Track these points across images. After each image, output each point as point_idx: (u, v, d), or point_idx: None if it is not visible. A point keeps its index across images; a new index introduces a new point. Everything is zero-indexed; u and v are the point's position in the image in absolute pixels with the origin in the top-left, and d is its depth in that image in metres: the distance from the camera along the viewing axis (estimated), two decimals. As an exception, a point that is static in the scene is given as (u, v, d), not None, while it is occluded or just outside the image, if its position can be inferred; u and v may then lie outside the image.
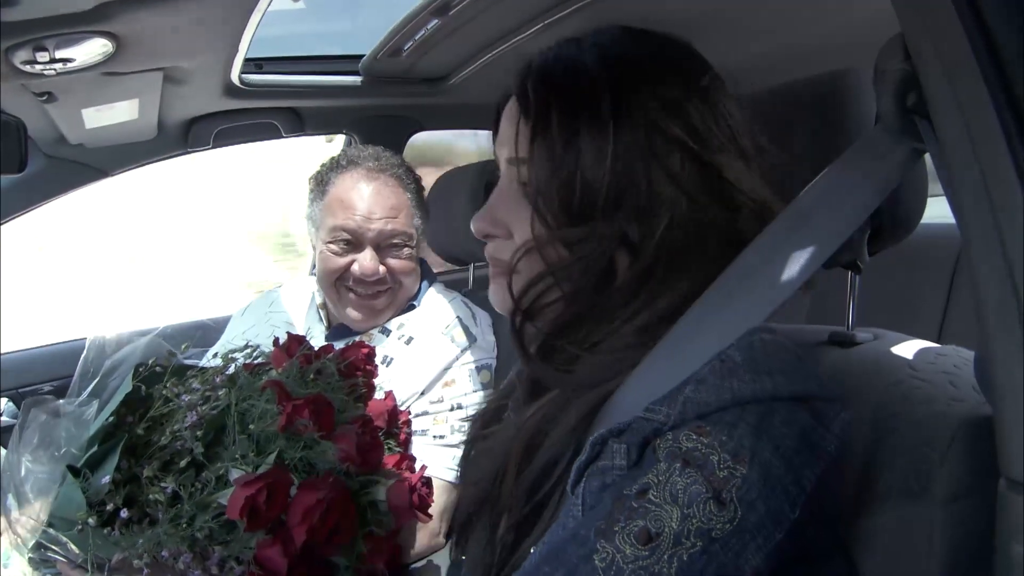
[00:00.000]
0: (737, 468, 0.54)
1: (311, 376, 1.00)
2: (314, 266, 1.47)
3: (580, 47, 0.69)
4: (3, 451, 1.18)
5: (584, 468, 0.61)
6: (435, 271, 1.53)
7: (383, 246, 1.36)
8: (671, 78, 0.67)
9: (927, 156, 0.66)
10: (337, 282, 1.36)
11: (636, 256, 0.65)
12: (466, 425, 0.98)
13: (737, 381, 0.58)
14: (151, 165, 1.80)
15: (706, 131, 0.65)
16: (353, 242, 1.35)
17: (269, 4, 1.10)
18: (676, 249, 0.64)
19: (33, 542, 0.92)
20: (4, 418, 1.76)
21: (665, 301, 0.65)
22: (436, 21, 1.35)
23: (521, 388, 0.75)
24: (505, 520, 0.68)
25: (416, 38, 1.46)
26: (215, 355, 1.01)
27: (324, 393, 0.95)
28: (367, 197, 1.35)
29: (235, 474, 0.86)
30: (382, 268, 1.35)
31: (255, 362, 1.02)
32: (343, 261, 1.35)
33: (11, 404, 1.79)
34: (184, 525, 0.84)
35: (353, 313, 1.37)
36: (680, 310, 0.64)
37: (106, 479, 0.86)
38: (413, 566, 1.17)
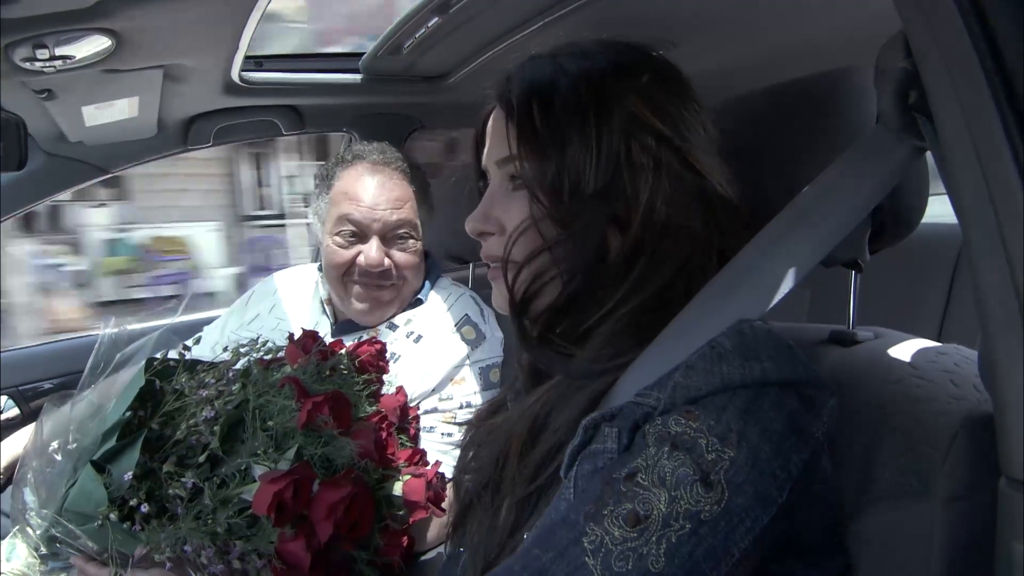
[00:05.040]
0: (725, 451, 0.55)
1: (327, 372, 1.00)
2: (318, 256, 1.47)
3: (554, 54, 0.73)
4: (2, 447, 1.18)
5: (577, 452, 0.62)
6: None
7: (388, 237, 1.36)
8: (645, 73, 0.70)
9: (929, 154, 0.66)
10: (344, 276, 1.36)
11: (625, 232, 0.67)
12: None
13: (727, 366, 0.59)
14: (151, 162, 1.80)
15: (679, 121, 0.69)
16: (358, 233, 1.35)
17: (269, 2, 1.10)
18: (661, 223, 0.67)
19: (47, 536, 0.93)
20: (3, 416, 1.76)
21: (656, 281, 0.67)
22: (436, 19, 1.35)
23: (523, 375, 0.76)
24: (507, 503, 0.68)
25: (416, 36, 1.46)
26: (225, 348, 1.02)
27: (340, 390, 0.96)
28: (372, 188, 1.36)
29: (259, 470, 0.86)
30: (387, 260, 1.35)
31: (267, 357, 1.03)
32: (349, 253, 1.35)
33: (11, 402, 1.79)
34: (209, 520, 0.84)
35: (359, 306, 1.37)
36: (670, 294, 0.66)
37: (128, 476, 0.86)
38: (423, 557, 1.17)
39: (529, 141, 0.69)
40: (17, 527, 0.99)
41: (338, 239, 1.35)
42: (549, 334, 0.69)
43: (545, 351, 0.69)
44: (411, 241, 1.38)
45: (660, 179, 0.67)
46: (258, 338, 1.04)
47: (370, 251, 1.34)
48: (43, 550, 0.96)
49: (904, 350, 0.72)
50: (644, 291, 0.67)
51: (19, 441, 1.34)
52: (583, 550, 0.55)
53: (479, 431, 0.81)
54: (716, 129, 0.72)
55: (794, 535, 0.59)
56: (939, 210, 0.73)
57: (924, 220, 0.76)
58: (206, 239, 8.20)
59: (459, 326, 1.37)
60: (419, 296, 1.43)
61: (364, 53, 1.67)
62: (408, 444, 1.12)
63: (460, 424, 1.28)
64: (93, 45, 1.08)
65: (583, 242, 0.67)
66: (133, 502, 0.86)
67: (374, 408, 1.05)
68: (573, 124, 0.67)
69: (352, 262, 1.35)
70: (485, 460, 0.74)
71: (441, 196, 1.48)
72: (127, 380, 0.97)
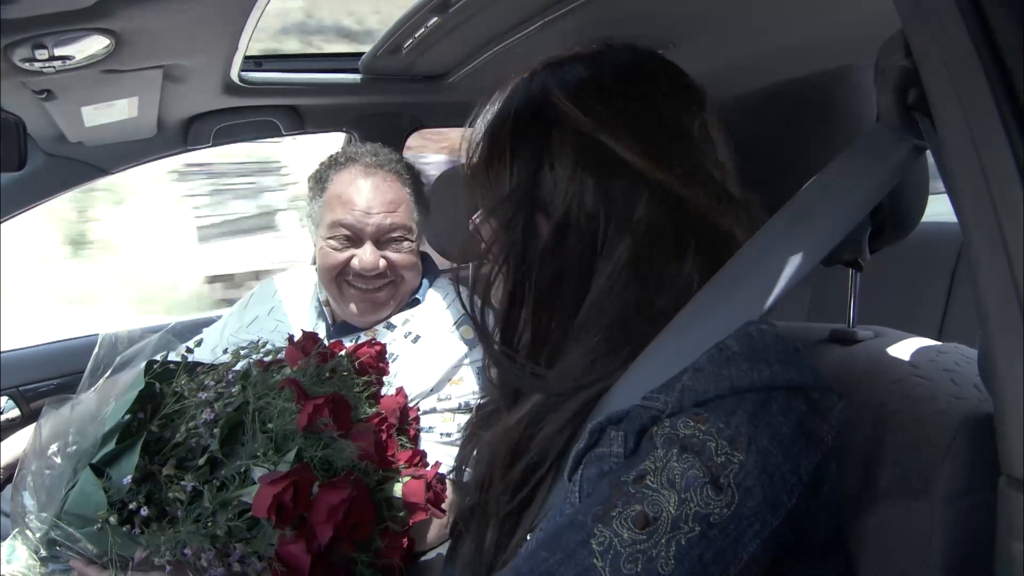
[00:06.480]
0: (735, 455, 0.55)
1: (326, 374, 1.00)
2: (315, 259, 1.47)
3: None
4: (2, 447, 1.19)
5: (582, 455, 0.62)
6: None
7: (383, 240, 1.36)
8: (575, 69, 0.71)
9: (928, 153, 0.66)
10: (338, 277, 1.36)
11: (549, 215, 0.68)
12: None
13: (735, 370, 0.58)
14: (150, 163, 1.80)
15: (613, 112, 0.68)
16: (352, 237, 1.35)
17: (268, 2, 1.10)
18: (589, 212, 0.66)
19: (46, 539, 0.93)
20: (4, 417, 1.76)
21: (600, 278, 0.66)
22: (436, 19, 1.34)
23: (498, 393, 0.76)
24: (492, 523, 0.69)
25: (416, 36, 1.46)
26: (224, 351, 1.01)
27: (340, 392, 0.96)
28: (365, 192, 1.35)
29: (258, 472, 0.86)
30: (382, 262, 1.35)
31: (267, 359, 1.02)
32: (343, 256, 1.35)
33: (11, 402, 1.79)
34: (208, 523, 0.84)
35: (355, 308, 1.37)
36: (628, 299, 0.66)
37: (127, 479, 0.86)
38: (423, 559, 1.17)
39: (470, 158, 0.74)
40: (17, 529, 0.99)
41: (332, 243, 1.35)
42: (511, 343, 0.71)
43: (512, 365, 0.70)
44: (406, 243, 1.38)
45: (582, 169, 0.66)
46: (258, 340, 1.04)
47: (364, 255, 1.34)
48: (43, 552, 0.96)
49: (904, 349, 0.72)
50: (594, 290, 0.67)
51: (19, 441, 1.34)
52: (591, 552, 0.54)
53: (470, 443, 0.81)
54: (710, 130, 0.70)
55: (801, 538, 0.59)
56: (939, 209, 0.73)
57: (924, 219, 0.76)
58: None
59: (457, 325, 1.36)
60: (416, 296, 1.42)
61: (363, 53, 1.67)
62: (408, 445, 1.12)
63: (459, 423, 1.28)
64: (92, 45, 1.08)
65: (510, 228, 0.69)
66: (132, 505, 0.86)
67: (374, 410, 1.05)
68: (497, 132, 0.71)
69: (346, 264, 1.35)
70: (470, 485, 0.75)
71: (440, 197, 1.48)
72: (127, 383, 0.97)
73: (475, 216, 0.75)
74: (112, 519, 0.86)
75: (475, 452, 0.78)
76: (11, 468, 1.25)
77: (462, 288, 0.77)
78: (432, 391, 1.30)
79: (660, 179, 0.65)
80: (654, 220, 0.65)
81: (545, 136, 0.68)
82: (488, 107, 0.74)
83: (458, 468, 0.82)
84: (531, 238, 0.68)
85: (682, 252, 0.66)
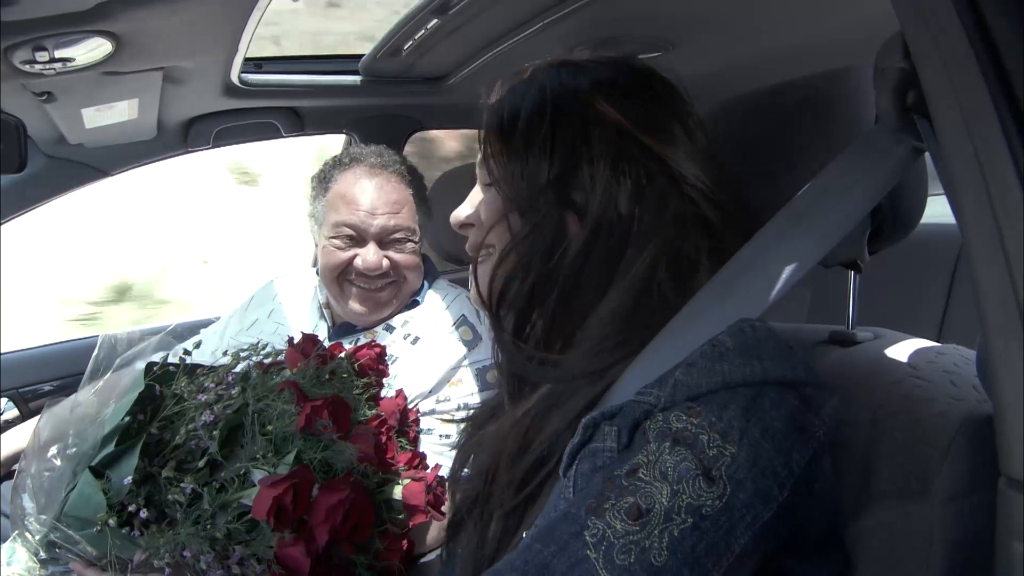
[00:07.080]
0: (727, 447, 0.55)
1: (326, 376, 1.00)
2: (316, 261, 1.47)
3: (534, 68, 0.76)
4: (2, 441, 1.19)
5: (576, 451, 0.62)
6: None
7: (386, 241, 1.36)
8: (610, 76, 0.73)
9: (927, 155, 0.66)
10: (340, 276, 1.36)
11: (584, 217, 0.69)
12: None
13: (728, 365, 0.59)
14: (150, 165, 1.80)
15: (647, 118, 0.70)
16: (356, 237, 1.35)
17: (268, 3, 1.10)
18: (624, 215, 0.68)
19: (46, 541, 0.93)
20: (3, 418, 1.76)
21: (626, 278, 0.67)
22: (435, 20, 1.35)
23: (505, 382, 0.77)
24: (496, 516, 0.69)
25: (416, 37, 1.46)
26: (224, 353, 1.01)
27: (339, 394, 0.96)
28: (370, 192, 1.36)
29: (258, 474, 0.86)
30: (385, 262, 1.35)
31: (267, 361, 1.02)
32: (346, 255, 1.35)
33: (11, 403, 1.79)
34: (207, 526, 0.84)
35: (357, 306, 1.37)
36: (654, 295, 0.67)
37: (127, 481, 0.86)
38: (423, 560, 1.17)
39: (496, 141, 0.73)
40: (17, 531, 0.99)
41: (336, 242, 1.35)
42: (522, 335, 0.72)
43: (522, 355, 0.71)
44: (409, 244, 1.38)
45: (620, 170, 0.68)
46: (258, 342, 1.04)
47: (368, 255, 1.34)
48: (43, 554, 0.96)
49: (903, 350, 0.72)
50: (617, 286, 0.68)
51: (19, 435, 1.33)
52: (585, 543, 0.55)
53: (471, 442, 0.81)
54: (705, 134, 0.73)
55: (795, 534, 0.59)
56: (939, 210, 0.73)
57: (924, 220, 0.76)
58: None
59: (456, 326, 1.37)
60: (416, 298, 1.43)
61: (363, 55, 1.67)
62: (408, 447, 1.12)
63: (458, 421, 1.28)
64: (93, 47, 1.08)
65: (540, 228, 0.69)
66: (132, 507, 0.86)
67: (373, 412, 1.05)
68: (534, 122, 0.70)
69: (349, 263, 1.35)
70: (476, 472, 0.75)
71: (439, 197, 1.48)
72: (127, 384, 0.97)
73: (494, 207, 0.74)
74: (111, 521, 0.86)
75: (475, 450, 0.79)
76: (11, 462, 1.25)
77: (470, 282, 0.78)
78: (431, 392, 1.30)
79: (690, 180, 0.68)
80: (681, 222, 0.68)
81: (585, 134, 0.69)
82: (505, 94, 0.75)
83: (455, 470, 0.82)
84: (560, 238, 0.69)
85: (699, 252, 0.68)
